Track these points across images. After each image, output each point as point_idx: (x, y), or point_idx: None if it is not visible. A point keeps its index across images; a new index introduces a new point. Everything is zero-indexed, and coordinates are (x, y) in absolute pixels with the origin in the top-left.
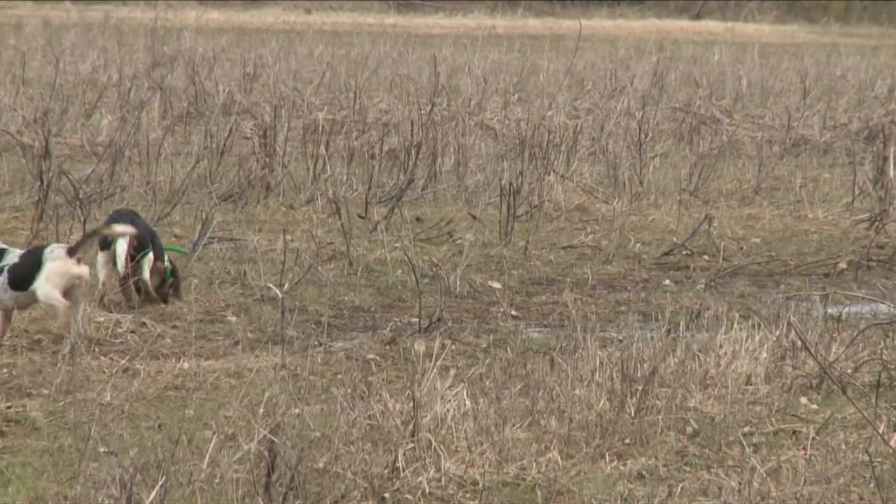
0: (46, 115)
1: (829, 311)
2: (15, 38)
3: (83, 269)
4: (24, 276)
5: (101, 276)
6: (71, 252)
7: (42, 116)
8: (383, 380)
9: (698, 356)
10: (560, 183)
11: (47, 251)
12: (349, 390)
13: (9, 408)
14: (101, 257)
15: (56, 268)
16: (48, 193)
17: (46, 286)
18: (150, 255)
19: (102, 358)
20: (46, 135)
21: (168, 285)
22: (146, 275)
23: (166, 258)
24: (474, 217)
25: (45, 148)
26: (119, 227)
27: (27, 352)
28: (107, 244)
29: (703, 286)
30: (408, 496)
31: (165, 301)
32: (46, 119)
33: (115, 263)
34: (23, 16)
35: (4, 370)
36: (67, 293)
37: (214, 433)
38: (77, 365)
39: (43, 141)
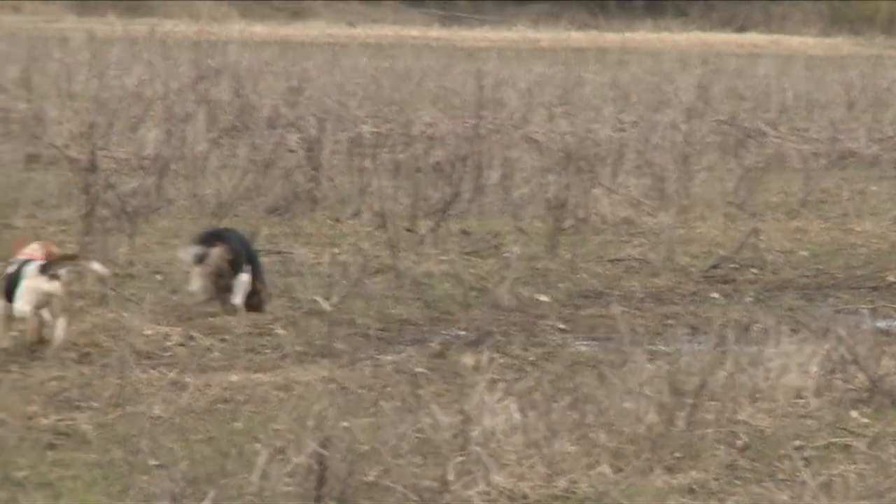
0: (93, 128)
1: (879, 324)
2: (61, 52)
3: (55, 286)
4: (9, 288)
5: (195, 287)
6: (43, 269)
7: (88, 130)
8: (432, 393)
9: (747, 370)
10: (606, 196)
11: (27, 267)
12: (398, 403)
13: (59, 420)
14: (196, 270)
15: (28, 284)
16: (95, 207)
17: (19, 301)
18: (245, 277)
19: (151, 371)
20: (93, 148)
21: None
22: (238, 300)
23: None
24: (521, 230)
25: (91, 161)
26: (96, 265)
27: (76, 365)
28: (200, 260)
29: (751, 299)
30: None
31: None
32: (93, 133)
33: (213, 282)
34: (68, 29)
35: (54, 383)
36: (45, 309)
37: (264, 446)
38: (126, 378)
39: (89, 154)
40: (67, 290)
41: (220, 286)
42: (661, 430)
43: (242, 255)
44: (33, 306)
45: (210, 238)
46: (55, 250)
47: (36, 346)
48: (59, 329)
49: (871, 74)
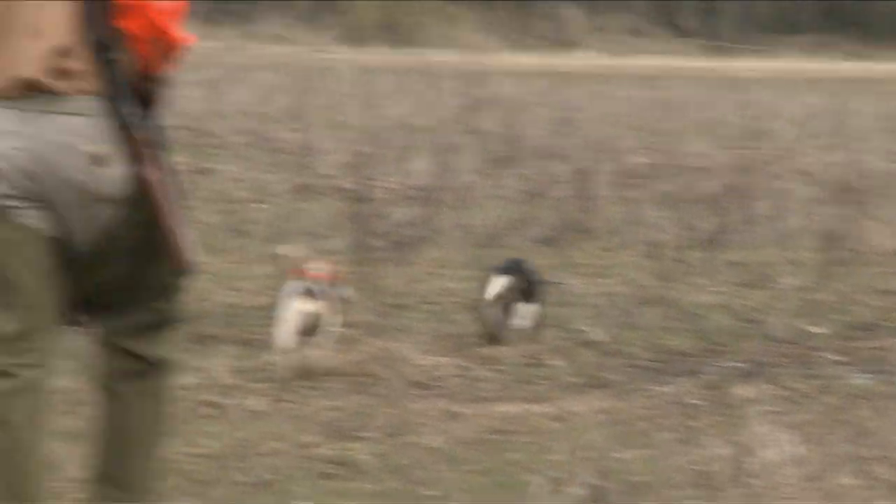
0: (362, 158)
1: None
2: (328, 83)
3: (314, 307)
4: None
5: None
6: (306, 290)
7: (358, 160)
8: (706, 424)
9: None
10: (880, 227)
11: (291, 288)
12: (671, 435)
13: (334, 450)
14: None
15: (291, 306)
16: (365, 237)
17: (281, 324)
18: (531, 307)
19: (424, 401)
20: (363, 178)
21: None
22: (523, 322)
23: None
24: (792, 261)
25: (363, 191)
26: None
27: (350, 394)
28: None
29: None
30: None
31: None
32: (362, 162)
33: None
34: (335, 60)
35: (328, 412)
36: (316, 333)
37: (539, 477)
38: (400, 408)
39: (361, 185)
40: (332, 309)
41: (506, 314)
42: None
43: (534, 285)
44: (299, 330)
45: (507, 268)
46: (332, 270)
47: (307, 372)
48: (328, 346)
49: None
